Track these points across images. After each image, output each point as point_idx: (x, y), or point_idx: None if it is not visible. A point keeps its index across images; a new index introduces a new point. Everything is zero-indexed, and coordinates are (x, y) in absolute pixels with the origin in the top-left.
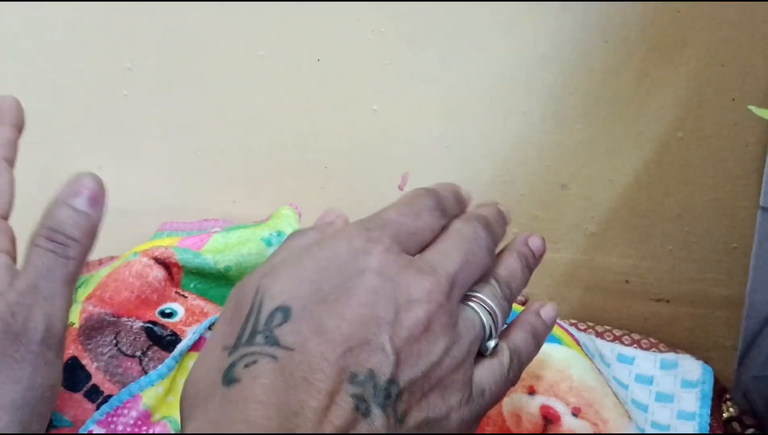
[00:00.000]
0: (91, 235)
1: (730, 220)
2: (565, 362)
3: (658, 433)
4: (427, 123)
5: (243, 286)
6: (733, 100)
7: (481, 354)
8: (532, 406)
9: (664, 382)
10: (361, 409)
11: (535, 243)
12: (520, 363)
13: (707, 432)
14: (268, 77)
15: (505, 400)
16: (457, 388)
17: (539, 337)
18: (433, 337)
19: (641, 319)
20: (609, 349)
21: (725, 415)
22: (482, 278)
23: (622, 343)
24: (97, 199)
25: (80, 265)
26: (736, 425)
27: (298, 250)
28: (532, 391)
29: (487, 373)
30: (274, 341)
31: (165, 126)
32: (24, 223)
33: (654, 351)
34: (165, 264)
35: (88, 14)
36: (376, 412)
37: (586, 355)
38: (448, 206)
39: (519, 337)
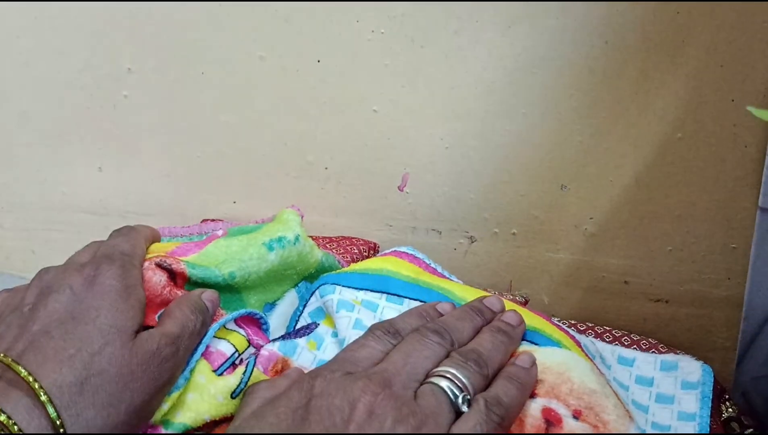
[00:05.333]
0: (207, 329)
1: (730, 220)
2: (565, 365)
3: (658, 433)
4: (427, 123)
5: None
6: (733, 101)
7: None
8: (534, 408)
9: (664, 383)
10: None
11: (507, 316)
12: (500, 407)
13: (707, 433)
14: (268, 78)
15: None
16: None
17: (517, 379)
18: (380, 418)
19: (640, 319)
20: (609, 351)
21: (724, 415)
22: (448, 357)
23: (621, 343)
24: (215, 307)
25: (196, 344)
26: (735, 425)
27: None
28: (533, 394)
29: (465, 422)
30: None
31: (165, 127)
32: (24, 223)
33: (653, 352)
34: (170, 270)
35: (88, 15)
36: None
37: (587, 356)
38: (399, 332)
39: (497, 385)
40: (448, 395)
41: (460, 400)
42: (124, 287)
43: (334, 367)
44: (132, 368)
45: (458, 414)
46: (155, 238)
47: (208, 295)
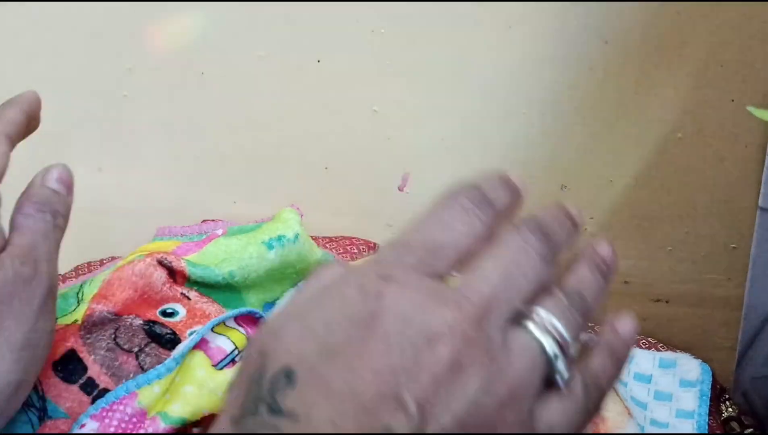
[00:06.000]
0: (68, 213)
1: (730, 220)
2: None
3: (657, 432)
4: (427, 123)
5: (253, 341)
6: (733, 101)
7: (552, 385)
8: None
9: (662, 381)
10: None
11: (603, 249)
12: (598, 390)
13: (706, 431)
14: (268, 78)
15: None
16: (509, 431)
17: (618, 356)
18: (463, 376)
19: (640, 319)
20: None
21: (724, 415)
22: (544, 291)
23: None
24: (70, 185)
25: (61, 238)
26: (735, 425)
27: (309, 298)
28: None
29: (556, 410)
30: (278, 410)
31: (165, 127)
32: None
33: (653, 350)
34: (170, 268)
35: (88, 15)
36: None
37: None
38: (494, 203)
39: (594, 361)
40: (549, 358)
41: (558, 366)
42: None
43: (409, 259)
44: None
45: (547, 382)
46: (33, 107)
47: (54, 175)
